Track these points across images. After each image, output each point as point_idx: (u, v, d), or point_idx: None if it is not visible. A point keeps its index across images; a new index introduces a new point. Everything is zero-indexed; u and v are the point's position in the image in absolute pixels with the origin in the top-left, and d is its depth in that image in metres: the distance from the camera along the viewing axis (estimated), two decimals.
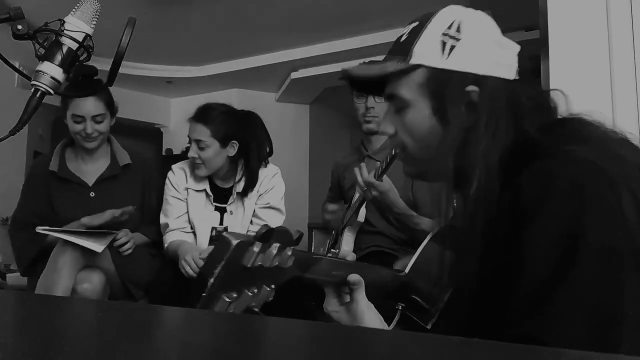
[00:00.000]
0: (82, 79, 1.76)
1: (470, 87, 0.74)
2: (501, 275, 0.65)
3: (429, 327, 0.84)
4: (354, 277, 0.78)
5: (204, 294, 0.60)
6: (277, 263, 0.66)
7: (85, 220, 1.80)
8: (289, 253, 0.67)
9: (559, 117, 0.76)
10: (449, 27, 0.75)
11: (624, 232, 0.60)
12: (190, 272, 1.73)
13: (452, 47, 0.74)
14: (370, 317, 0.79)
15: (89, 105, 1.85)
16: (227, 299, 0.62)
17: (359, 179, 1.57)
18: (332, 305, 0.82)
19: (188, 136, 1.89)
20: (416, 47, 0.76)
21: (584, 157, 0.64)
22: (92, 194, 1.93)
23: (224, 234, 0.63)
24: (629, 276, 0.59)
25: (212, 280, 0.60)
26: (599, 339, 0.57)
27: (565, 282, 0.59)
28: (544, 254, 0.62)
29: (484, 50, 0.75)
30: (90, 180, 1.95)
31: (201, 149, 1.85)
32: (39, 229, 1.67)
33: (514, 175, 0.67)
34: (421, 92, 0.76)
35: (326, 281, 0.80)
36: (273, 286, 0.67)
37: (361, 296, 0.79)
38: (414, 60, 0.76)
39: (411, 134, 0.79)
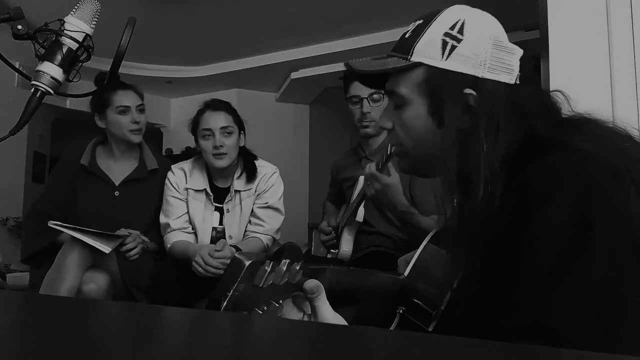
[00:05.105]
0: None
1: (468, 90, 0.73)
2: (504, 270, 0.65)
3: (430, 329, 0.84)
4: (310, 283, 0.67)
5: None
6: (286, 279, 0.67)
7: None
8: (297, 268, 0.68)
9: (563, 116, 0.76)
10: (452, 27, 0.75)
11: (629, 222, 0.61)
12: (203, 272, 1.72)
13: (453, 48, 0.74)
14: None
15: (131, 97, 1.95)
16: None
17: (366, 171, 1.56)
18: (292, 316, 0.71)
19: (206, 128, 1.86)
20: (418, 45, 0.76)
21: (589, 149, 0.65)
22: (116, 193, 1.96)
23: (237, 254, 0.63)
24: (633, 264, 0.60)
25: (224, 303, 0.61)
26: (605, 326, 0.58)
27: (574, 269, 0.60)
28: (552, 242, 0.62)
29: (485, 52, 0.74)
30: (117, 180, 1.98)
31: (227, 135, 1.86)
32: (51, 224, 1.67)
33: (520, 171, 0.67)
34: (419, 91, 0.77)
35: (333, 289, 0.80)
36: (281, 301, 0.68)
37: (321, 303, 0.68)
38: (414, 59, 0.76)
39: (407, 131, 0.80)
